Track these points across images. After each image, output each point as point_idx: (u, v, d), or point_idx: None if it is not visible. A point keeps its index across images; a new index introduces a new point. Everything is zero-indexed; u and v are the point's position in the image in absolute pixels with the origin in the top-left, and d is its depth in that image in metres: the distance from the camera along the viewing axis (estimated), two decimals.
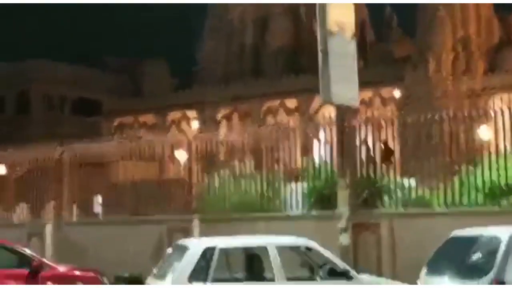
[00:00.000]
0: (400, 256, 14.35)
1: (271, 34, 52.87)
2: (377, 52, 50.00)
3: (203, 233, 15.80)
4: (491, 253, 9.41)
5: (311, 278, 10.83)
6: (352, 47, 15.22)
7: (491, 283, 9.14)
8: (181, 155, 20.73)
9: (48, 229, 20.45)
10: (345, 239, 14.24)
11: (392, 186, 15.51)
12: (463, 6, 39.58)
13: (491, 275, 9.21)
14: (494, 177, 14.47)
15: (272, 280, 10.41)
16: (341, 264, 10.91)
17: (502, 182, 14.35)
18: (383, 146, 16.32)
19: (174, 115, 54.21)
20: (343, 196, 14.62)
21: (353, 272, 10.89)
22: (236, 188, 17.47)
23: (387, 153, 16.41)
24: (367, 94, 44.35)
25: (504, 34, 43.66)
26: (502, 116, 14.65)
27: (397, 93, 43.09)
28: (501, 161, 14.66)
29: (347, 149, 15.24)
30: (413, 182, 15.82)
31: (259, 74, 51.81)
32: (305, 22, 53.31)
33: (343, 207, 14.54)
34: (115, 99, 55.06)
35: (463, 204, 14.57)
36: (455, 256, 10.16)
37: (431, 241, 12.98)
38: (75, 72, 59.28)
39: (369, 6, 55.59)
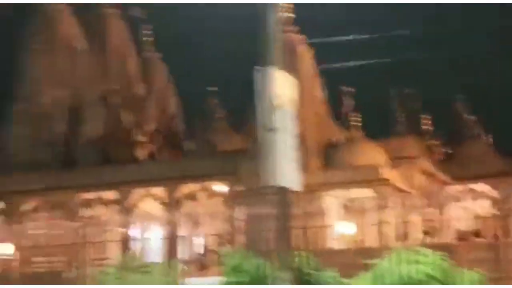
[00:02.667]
0: None
1: (84, 123, 50.37)
2: (199, 145, 48.26)
3: None
4: None
5: None
6: (292, 123, 13.63)
7: None
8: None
9: None
10: None
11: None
12: (300, 102, 39.11)
13: None
14: (409, 272, 14.04)
15: None
16: None
17: (418, 276, 14.00)
18: None
19: None
20: None
21: None
22: None
23: None
24: (193, 187, 43.28)
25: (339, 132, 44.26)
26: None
27: (222, 187, 42.18)
28: (411, 255, 14.36)
29: (285, 237, 13.43)
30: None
31: (71, 164, 48.53)
32: (116, 111, 52.02)
33: None
34: None
35: None
36: None
37: None
38: None
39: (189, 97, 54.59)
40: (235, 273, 14.83)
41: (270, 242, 15.89)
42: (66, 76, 49.73)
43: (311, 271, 14.48)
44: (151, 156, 50.75)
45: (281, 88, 13.20)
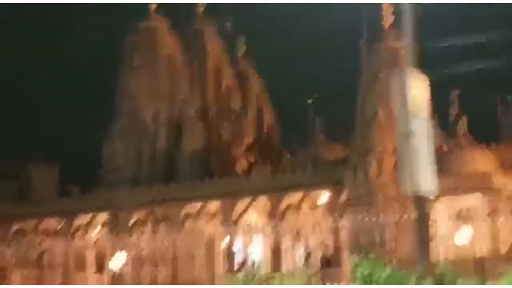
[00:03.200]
0: None
1: (185, 137, 49.17)
2: (300, 156, 47.44)
3: None
4: None
5: None
6: (429, 129, 13.19)
7: None
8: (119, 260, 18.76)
9: None
10: None
11: None
12: None
13: None
14: None
15: None
16: None
17: None
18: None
19: (81, 219, 47.51)
20: None
21: None
22: None
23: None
24: (296, 197, 41.92)
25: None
26: None
27: (325, 197, 40.97)
28: None
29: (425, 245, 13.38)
30: None
31: (172, 177, 47.18)
32: (215, 124, 51.00)
33: None
34: (8, 204, 48.31)
35: None
36: None
37: None
38: None
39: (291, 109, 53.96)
40: (366, 282, 14.57)
41: (390, 251, 15.78)
42: (165, 91, 50.48)
43: (451, 280, 14.12)
44: (250, 168, 50.93)
45: (417, 91, 12.87)
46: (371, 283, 14.57)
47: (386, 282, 14.44)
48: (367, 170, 37.29)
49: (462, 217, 36.04)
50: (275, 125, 56.21)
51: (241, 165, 50.81)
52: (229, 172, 47.22)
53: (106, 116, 51.94)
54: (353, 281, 15.10)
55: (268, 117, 55.97)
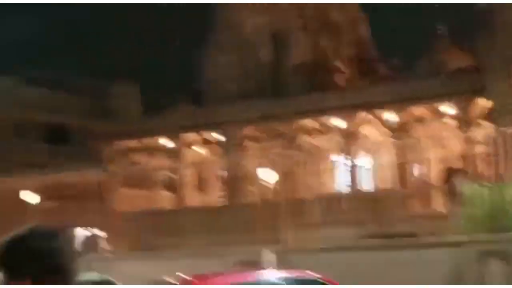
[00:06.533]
0: None
1: (290, 50, 46.96)
2: (424, 65, 44.21)
3: None
4: None
5: None
6: None
7: None
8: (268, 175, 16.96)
9: None
10: None
11: None
12: None
13: None
14: None
15: None
16: None
17: None
18: None
19: (188, 137, 44.66)
20: None
21: None
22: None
23: None
24: (421, 109, 39.20)
25: None
26: None
27: (451, 108, 38.12)
28: None
29: None
30: None
31: (279, 92, 44.47)
32: (316, 37, 47.94)
33: None
34: (105, 122, 46.07)
35: None
36: None
37: None
38: (43, 96, 49.86)
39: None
40: (471, 205, 13.47)
41: None
42: (266, 3, 48.09)
43: None
44: (349, 81, 48.47)
45: None
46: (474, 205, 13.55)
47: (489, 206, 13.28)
48: None
49: None
50: (370, 37, 53.30)
51: (340, 78, 48.48)
52: (330, 86, 44.62)
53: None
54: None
55: (364, 29, 53.07)
